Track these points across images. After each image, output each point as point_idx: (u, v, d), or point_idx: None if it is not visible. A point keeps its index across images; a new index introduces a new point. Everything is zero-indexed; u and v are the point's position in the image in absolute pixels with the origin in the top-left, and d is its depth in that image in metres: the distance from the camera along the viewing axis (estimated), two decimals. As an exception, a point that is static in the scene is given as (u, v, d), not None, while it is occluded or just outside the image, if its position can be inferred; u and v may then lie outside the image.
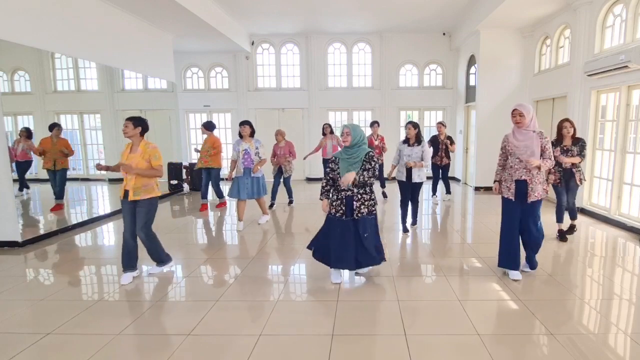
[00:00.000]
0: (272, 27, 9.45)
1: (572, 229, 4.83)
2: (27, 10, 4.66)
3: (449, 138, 6.97)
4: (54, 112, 6.30)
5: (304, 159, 8.01)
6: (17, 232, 4.68)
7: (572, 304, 3.08)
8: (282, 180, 6.92)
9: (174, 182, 8.47)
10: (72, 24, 5.36)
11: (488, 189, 8.34)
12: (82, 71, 6.56)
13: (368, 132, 8.08)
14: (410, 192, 5.03)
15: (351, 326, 2.74)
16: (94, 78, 6.85)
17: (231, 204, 7.57)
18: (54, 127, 5.69)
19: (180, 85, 10.35)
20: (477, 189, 8.42)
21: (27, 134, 5.57)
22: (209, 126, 6.74)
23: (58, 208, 5.99)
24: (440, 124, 7.02)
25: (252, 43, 10.15)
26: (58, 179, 5.81)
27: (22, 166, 5.62)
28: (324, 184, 3.48)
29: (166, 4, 5.97)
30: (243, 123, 5.41)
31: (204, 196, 6.90)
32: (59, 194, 5.92)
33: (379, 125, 7.41)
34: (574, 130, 4.51)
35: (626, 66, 4.87)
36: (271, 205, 6.76)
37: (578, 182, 4.58)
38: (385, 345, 2.49)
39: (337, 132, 8.30)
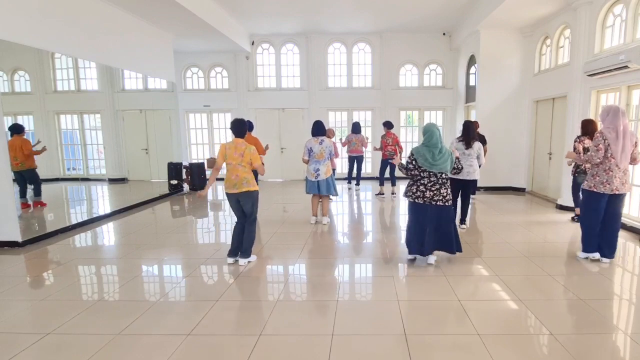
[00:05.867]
0: (272, 27, 9.45)
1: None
2: (27, 10, 4.66)
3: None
4: (54, 112, 6.30)
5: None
6: (17, 232, 4.67)
7: (572, 304, 3.08)
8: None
9: (174, 182, 8.47)
10: (72, 24, 5.35)
11: (488, 189, 8.34)
12: (82, 71, 6.57)
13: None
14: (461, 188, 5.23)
15: (352, 326, 2.74)
16: (94, 78, 6.86)
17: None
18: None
19: (180, 85, 10.34)
20: (477, 188, 8.41)
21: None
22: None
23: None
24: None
25: (252, 43, 10.14)
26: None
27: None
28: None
29: (166, 4, 5.96)
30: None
31: None
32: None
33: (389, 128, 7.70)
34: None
35: (626, 66, 4.86)
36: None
37: None
38: (385, 345, 2.49)
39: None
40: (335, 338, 2.57)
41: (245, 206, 3.94)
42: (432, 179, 3.74)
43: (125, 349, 2.49)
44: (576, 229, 4.99)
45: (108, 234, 5.52)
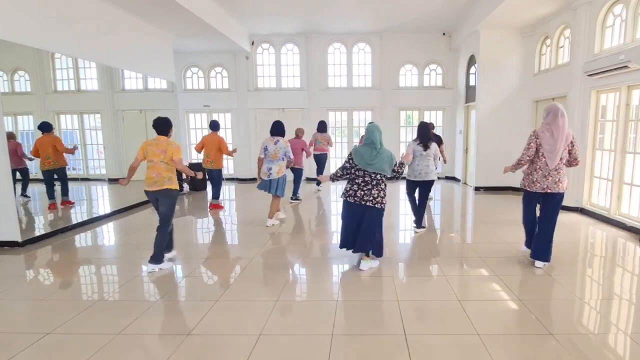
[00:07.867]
0: (272, 27, 9.45)
1: None
2: (27, 10, 4.66)
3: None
4: (54, 112, 6.30)
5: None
6: (17, 232, 4.67)
7: (572, 304, 3.08)
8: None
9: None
10: (72, 24, 5.36)
11: (488, 189, 8.34)
12: (82, 71, 6.55)
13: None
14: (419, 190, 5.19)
15: (351, 326, 2.74)
16: (94, 78, 6.84)
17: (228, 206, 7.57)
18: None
19: (180, 85, 10.35)
20: (476, 189, 8.41)
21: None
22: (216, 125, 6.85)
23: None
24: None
25: (252, 43, 10.14)
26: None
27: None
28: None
29: (166, 4, 5.96)
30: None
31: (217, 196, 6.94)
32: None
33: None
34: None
35: (626, 66, 4.87)
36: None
37: None
38: (385, 345, 2.49)
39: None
40: (335, 338, 2.57)
41: (162, 205, 3.93)
42: (366, 178, 3.78)
43: (125, 349, 2.49)
44: (576, 229, 4.99)
45: (108, 233, 5.53)
